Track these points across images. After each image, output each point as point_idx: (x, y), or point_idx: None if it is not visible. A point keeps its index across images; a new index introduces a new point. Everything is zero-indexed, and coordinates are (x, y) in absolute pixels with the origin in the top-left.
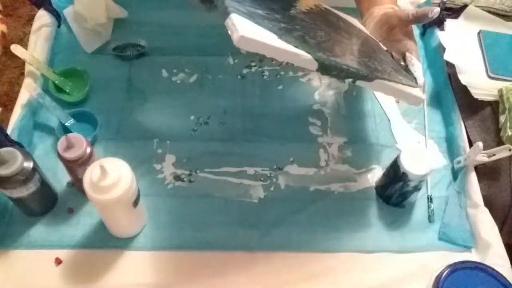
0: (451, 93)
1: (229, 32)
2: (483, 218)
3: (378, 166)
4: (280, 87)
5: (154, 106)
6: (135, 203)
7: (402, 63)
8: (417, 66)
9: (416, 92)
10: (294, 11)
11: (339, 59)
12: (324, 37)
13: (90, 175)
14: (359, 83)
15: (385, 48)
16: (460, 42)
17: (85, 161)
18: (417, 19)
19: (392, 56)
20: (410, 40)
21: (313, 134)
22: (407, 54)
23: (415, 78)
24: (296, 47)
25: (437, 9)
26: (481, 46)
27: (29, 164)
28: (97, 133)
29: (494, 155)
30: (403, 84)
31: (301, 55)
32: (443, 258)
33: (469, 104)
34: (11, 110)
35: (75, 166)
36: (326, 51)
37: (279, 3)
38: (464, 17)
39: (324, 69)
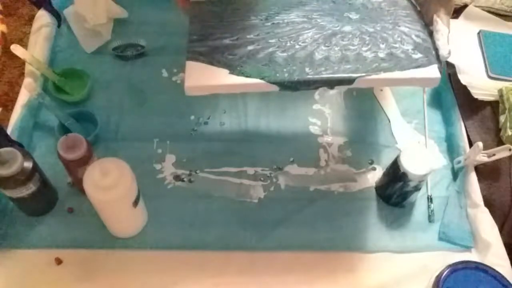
0: (451, 93)
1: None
2: (483, 218)
3: (378, 166)
4: None
5: (154, 106)
6: (135, 203)
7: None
8: (442, 33)
9: (425, 72)
10: (281, 16)
11: (312, 68)
12: (308, 41)
13: (90, 175)
14: (338, 88)
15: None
16: (460, 42)
17: (85, 161)
18: None
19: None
20: None
21: (313, 134)
22: (435, 16)
23: (436, 50)
24: (249, 75)
25: None
26: (481, 46)
27: (29, 164)
28: (97, 133)
29: (494, 155)
30: (404, 68)
31: (254, 84)
32: (443, 258)
33: (469, 104)
34: (11, 110)
35: (75, 166)
36: (299, 62)
37: (269, 10)
38: (464, 17)
39: (289, 87)
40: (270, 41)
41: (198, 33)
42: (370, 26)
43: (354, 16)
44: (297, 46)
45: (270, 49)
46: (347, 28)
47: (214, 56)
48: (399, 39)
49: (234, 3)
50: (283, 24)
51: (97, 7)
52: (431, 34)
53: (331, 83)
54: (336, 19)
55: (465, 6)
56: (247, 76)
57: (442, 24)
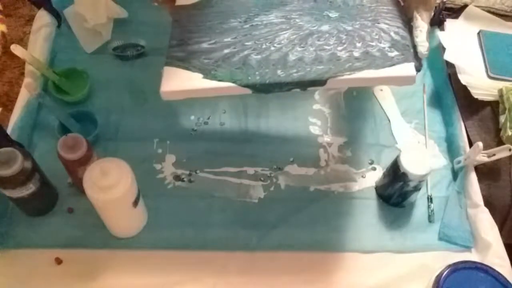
0: (451, 93)
1: None
2: (483, 218)
3: (378, 166)
4: None
5: (154, 106)
6: (135, 203)
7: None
8: (420, 29)
9: (400, 70)
10: (260, 18)
11: (284, 70)
12: (284, 42)
13: (90, 175)
14: (311, 89)
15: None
16: (460, 42)
17: (85, 161)
18: None
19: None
20: None
21: (313, 134)
22: (414, 12)
23: (414, 47)
24: (222, 79)
25: None
26: (481, 46)
27: (29, 164)
28: (97, 133)
29: (494, 155)
30: (379, 67)
31: (226, 87)
32: (443, 258)
33: (469, 104)
34: (11, 110)
35: (75, 166)
36: (272, 64)
37: (249, 12)
38: (464, 17)
39: (262, 90)
40: (246, 43)
41: (178, 38)
42: (349, 24)
43: (333, 14)
44: (272, 48)
45: (245, 52)
46: (325, 27)
47: (191, 61)
48: (376, 36)
49: (215, 6)
50: (261, 25)
51: (97, 7)
52: (411, 30)
53: (303, 85)
54: (315, 18)
55: (465, 6)
56: (219, 80)
57: (421, 20)
